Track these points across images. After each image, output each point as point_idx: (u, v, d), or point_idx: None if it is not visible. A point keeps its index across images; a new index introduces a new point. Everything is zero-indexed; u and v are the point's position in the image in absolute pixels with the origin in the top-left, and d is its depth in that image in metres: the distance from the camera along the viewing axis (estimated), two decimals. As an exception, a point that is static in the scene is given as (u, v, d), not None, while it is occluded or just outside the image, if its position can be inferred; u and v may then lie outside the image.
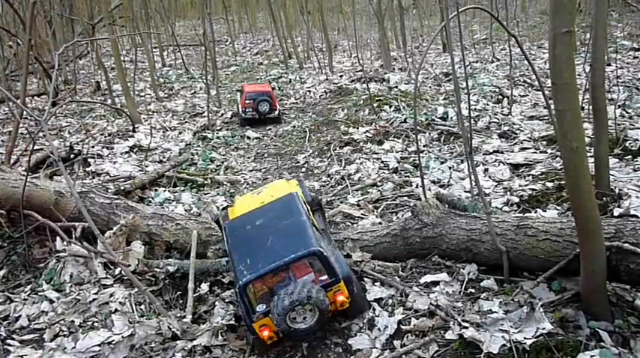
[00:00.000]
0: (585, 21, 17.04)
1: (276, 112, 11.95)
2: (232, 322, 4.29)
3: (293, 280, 3.75)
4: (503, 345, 3.45)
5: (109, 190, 6.70)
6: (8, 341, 4.43)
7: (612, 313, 3.59)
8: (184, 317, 4.42)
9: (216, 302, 4.65)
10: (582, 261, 3.51)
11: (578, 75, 10.36)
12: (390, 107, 10.93)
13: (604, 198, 5.27)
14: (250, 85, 13.43)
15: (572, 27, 3.02)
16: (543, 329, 3.49)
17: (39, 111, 13.34)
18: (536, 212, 5.53)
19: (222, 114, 13.37)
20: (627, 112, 8.83)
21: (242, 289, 3.71)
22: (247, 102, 11.70)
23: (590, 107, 5.39)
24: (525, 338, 3.44)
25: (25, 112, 7.42)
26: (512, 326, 3.63)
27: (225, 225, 4.48)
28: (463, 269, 4.44)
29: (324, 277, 3.78)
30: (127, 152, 9.54)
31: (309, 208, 4.56)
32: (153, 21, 26.34)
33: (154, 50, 23.49)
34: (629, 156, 6.68)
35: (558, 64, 3.05)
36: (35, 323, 4.65)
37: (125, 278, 4.99)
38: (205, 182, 8.04)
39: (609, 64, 11.40)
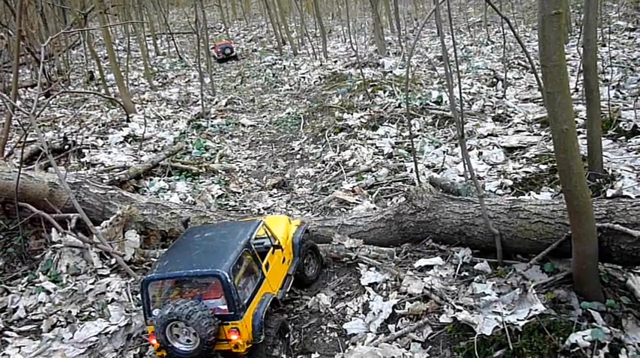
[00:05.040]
0: (580, 1, 16.92)
1: (234, 53, 22.06)
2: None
3: (199, 299, 3.52)
4: (497, 327, 3.49)
5: (104, 180, 6.69)
6: (6, 332, 4.47)
7: (604, 293, 3.62)
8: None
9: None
10: (574, 243, 3.53)
11: (573, 56, 10.33)
12: (385, 92, 10.88)
13: (597, 180, 5.29)
14: (218, 43, 23.15)
15: (560, 8, 3.00)
16: (536, 310, 3.52)
17: (32, 102, 13.23)
18: (529, 194, 5.55)
19: (216, 102, 13.32)
20: (621, 93, 8.82)
21: (143, 285, 3.61)
22: (218, 51, 21.78)
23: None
24: (518, 320, 3.48)
25: (17, 104, 7.39)
26: (505, 308, 3.66)
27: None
28: (457, 253, 4.46)
29: (224, 307, 3.49)
30: (121, 142, 9.50)
31: (280, 243, 4.28)
32: (145, 9, 26.12)
33: (148, 39, 23.35)
34: (623, 137, 6.68)
35: (547, 46, 3.04)
36: (33, 314, 4.69)
37: (122, 268, 5.01)
38: (200, 170, 8.03)
39: (604, 45, 11.36)
